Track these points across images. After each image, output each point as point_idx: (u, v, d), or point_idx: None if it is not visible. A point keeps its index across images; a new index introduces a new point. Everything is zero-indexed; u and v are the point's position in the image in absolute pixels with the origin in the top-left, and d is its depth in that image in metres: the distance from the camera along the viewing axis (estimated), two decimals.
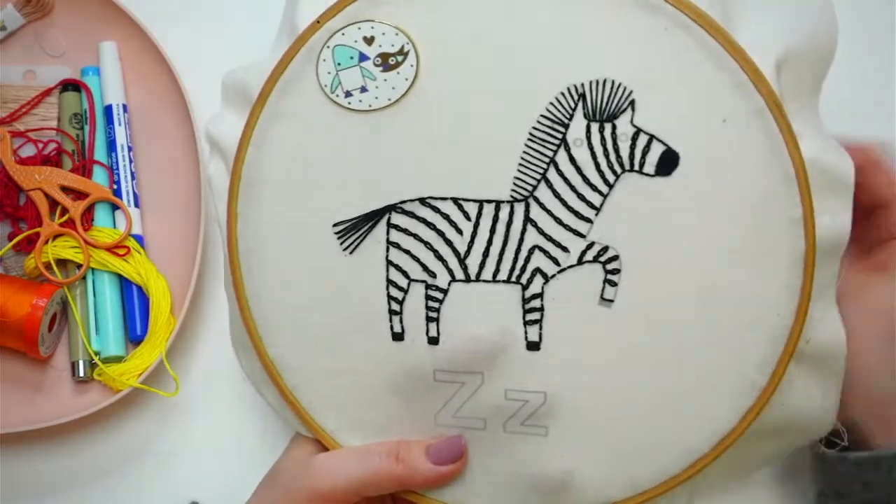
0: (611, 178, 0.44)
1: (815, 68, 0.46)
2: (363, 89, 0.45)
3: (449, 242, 0.46)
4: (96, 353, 0.59)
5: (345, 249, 0.47)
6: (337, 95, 0.46)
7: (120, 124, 0.61)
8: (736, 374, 0.44)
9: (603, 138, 0.44)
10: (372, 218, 0.46)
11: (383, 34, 0.45)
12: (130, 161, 0.61)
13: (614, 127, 0.44)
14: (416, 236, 0.46)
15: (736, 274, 0.44)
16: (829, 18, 0.46)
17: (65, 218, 0.59)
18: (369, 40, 0.45)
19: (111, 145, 0.61)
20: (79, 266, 0.59)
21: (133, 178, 0.61)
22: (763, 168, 0.43)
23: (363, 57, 0.45)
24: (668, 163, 0.43)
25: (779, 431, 0.47)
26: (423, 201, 0.46)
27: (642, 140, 0.44)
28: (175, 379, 0.58)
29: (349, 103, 0.46)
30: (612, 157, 0.44)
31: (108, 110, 0.62)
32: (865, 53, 0.59)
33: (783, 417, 0.46)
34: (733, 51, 0.43)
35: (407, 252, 0.46)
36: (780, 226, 0.43)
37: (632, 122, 0.44)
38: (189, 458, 0.60)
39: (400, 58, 0.45)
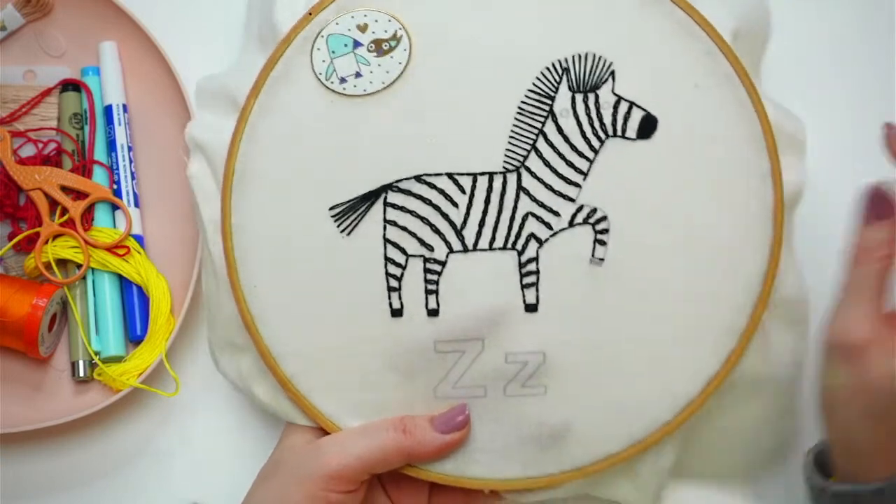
0: (596, 143, 0.47)
1: (755, 48, 0.51)
2: (357, 75, 0.47)
3: (445, 215, 0.48)
4: (96, 353, 0.59)
5: (342, 231, 0.48)
6: (332, 82, 0.47)
7: (120, 124, 0.61)
8: (717, 320, 0.47)
9: (587, 107, 0.47)
10: (368, 198, 0.48)
11: (376, 21, 0.47)
12: (130, 161, 0.61)
13: (597, 96, 0.47)
14: (413, 213, 0.48)
15: (714, 227, 0.47)
16: (765, 6, 0.52)
17: (65, 218, 0.59)
18: (363, 28, 0.47)
19: (111, 145, 0.61)
20: (79, 266, 0.59)
21: (133, 178, 0.61)
22: (733, 128, 0.47)
23: (357, 44, 0.47)
24: (648, 127, 0.47)
25: (757, 387, 0.49)
26: (418, 178, 0.47)
27: (623, 107, 0.47)
28: (175, 379, 0.58)
29: (344, 89, 0.47)
30: (597, 124, 0.47)
31: (108, 110, 0.62)
32: (866, 59, 0.61)
33: (761, 369, 0.49)
34: (701, 22, 0.47)
35: (404, 229, 0.48)
36: (752, 180, 0.47)
37: (613, 91, 0.47)
38: (189, 458, 0.60)
39: (393, 43, 0.47)
